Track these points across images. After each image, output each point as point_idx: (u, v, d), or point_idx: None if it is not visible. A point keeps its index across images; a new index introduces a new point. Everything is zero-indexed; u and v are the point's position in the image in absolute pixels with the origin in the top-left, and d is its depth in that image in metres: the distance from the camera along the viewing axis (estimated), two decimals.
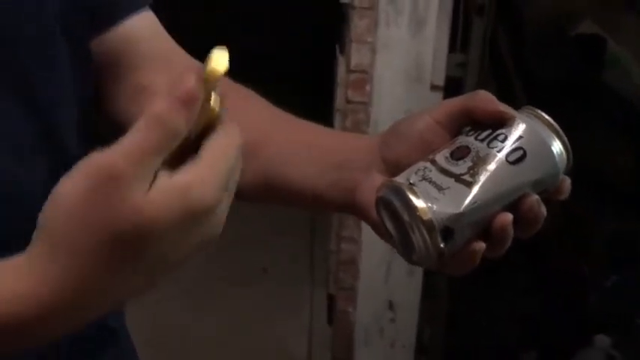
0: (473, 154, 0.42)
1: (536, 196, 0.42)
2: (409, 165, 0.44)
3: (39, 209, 0.34)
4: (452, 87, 1.73)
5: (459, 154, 0.42)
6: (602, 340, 1.65)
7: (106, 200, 0.32)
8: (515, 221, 0.41)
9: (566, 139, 0.43)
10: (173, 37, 0.60)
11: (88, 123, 0.55)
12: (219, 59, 0.35)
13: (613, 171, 2.01)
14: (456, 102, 0.46)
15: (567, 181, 0.45)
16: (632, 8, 1.96)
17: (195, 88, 0.33)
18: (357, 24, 1.62)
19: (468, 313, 2.03)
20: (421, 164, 0.43)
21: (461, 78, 1.68)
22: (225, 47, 0.36)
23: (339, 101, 1.82)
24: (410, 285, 1.85)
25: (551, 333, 1.90)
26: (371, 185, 0.45)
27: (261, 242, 2.98)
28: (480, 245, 0.41)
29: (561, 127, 0.43)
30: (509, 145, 0.42)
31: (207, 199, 0.34)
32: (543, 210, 0.42)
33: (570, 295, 1.97)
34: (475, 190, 0.40)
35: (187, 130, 0.34)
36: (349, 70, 1.67)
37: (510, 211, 0.41)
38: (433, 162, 0.43)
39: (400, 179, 0.43)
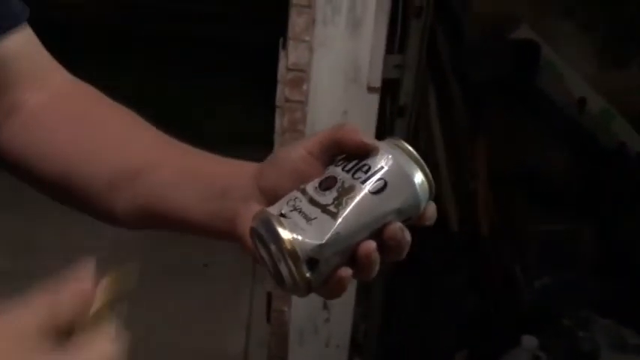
0: (339, 184, 0.42)
1: (399, 224, 0.42)
2: (284, 195, 0.44)
3: None
4: (389, 89, 1.74)
5: (326, 185, 0.43)
6: (530, 340, 1.68)
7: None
8: (380, 247, 0.42)
9: (427, 169, 0.44)
10: None
11: None
12: (126, 279, 0.40)
13: (546, 174, 2.05)
14: (326, 133, 0.46)
15: (431, 208, 0.45)
16: (569, 16, 2.00)
17: (90, 292, 0.38)
18: (295, 21, 1.60)
19: (403, 312, 2.04)
20: (293, 194, 0.44)
21: (398, 79, 1.68)
22: (134, 266, 0.41)
23: (279, 98, 1.80)
24: None
25: (484, 333, 1.93)
26: (248, 215, 0.45)
27: (203, 237, 2.95)
28: (347, 272, 0.42)
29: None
30: (371, 175, 0.42)
31: None
32: (407, 236, 0.43)
33: (503, 296, 2.01)
34: (339, 220, 0.41)
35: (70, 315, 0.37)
36: (288, 68, 1.65)
37: (376, 238, 0.42)
38: (304, 192, 0.43)
39: (272, 210, 0.43)
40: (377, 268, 0.42)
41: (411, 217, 0.44)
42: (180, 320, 2.41)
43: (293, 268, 0.40)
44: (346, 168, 0.43)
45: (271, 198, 0.46)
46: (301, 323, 1.89)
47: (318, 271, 0.41)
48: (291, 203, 0.43)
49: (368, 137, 0.44)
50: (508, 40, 1.85)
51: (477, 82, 1.83)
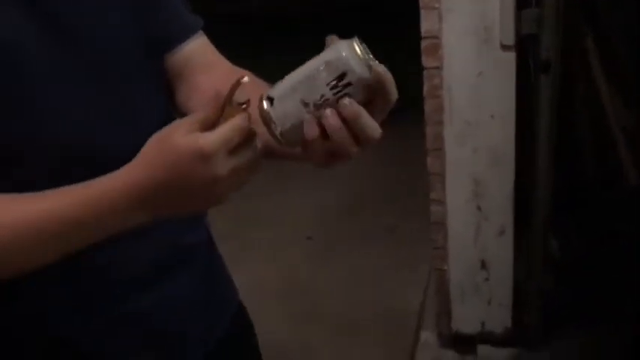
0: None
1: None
2: None
3: (115, 166, 0.61)
4: (530, 44, 1.68)
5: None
6: None
7: (188, 158, 0.57)
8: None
9: (360, 47, 0.57)
10: None
11: (165, 110, 0.81)
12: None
13: None
14: None
15: (380, 68, 0.57)
16: None
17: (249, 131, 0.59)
18: None
19: (573, 271, 1.98)
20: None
21: (536, 35, 1.62)
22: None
23: (422, 65, 1.85)
24: (500, 244, 1.86)
25: None
26: None
27: (388, 201, 3.12)
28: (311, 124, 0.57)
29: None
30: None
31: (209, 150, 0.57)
32: (349, 103, 0.56)
33: None
34: (285, 77, 0.59)
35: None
36: (422, 36, 1.70)
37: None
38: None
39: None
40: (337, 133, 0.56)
41: (349, 80, 0.56)
42: (364, 278, 2.61)
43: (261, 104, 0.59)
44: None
45: None
46: (461, 282, 1.95)
47: (275, 108, 0.58)
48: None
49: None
50: None
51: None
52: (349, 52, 0.56)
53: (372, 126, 0.57)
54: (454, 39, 1.65)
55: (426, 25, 1.68)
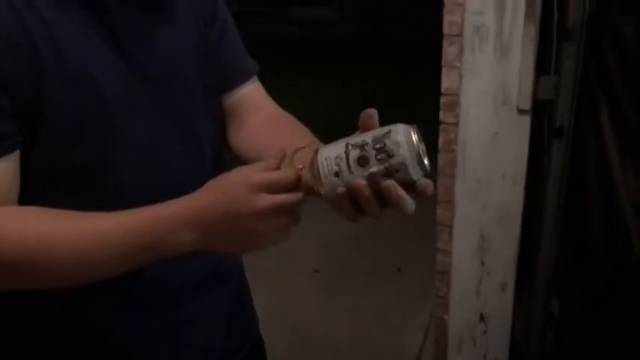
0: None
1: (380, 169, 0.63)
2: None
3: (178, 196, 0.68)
4: (546, 110, 1.74)
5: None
6: None
7: (244, 200, 0.65)
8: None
9: (416, 137, 0.64)
10: None
11: (219, 143, 0.91)
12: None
13: None
14: None
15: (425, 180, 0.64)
16: None
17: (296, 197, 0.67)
18: (447, 50, 1.70)
19: (575, 337, 1.99)
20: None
21: (553, 100, 1.68)
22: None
23: (440, 119, 1.91)
24: (501, 300, 1.89)
25: None
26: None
27: (396, 241, 3.16)
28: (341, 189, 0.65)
29: None
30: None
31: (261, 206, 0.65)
32: (394, 188, 0.62)
33: None
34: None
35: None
36: (442, 93, 1.77)
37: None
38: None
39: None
40: (369, 205, 0.63)
41: (398, 169, 0.62)
42: (369, 315, 2.64)
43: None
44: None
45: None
46: (460, 332, 1.98)
47: (323, 167, 0.65)
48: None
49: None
50: None
51: None
52: (407, 149, 0.62)
53: (407, 204, 0.63)
54: (473, 98, 1.71)
55: (446, 82, 1.74)
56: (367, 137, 0.63)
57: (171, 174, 0.78)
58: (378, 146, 0.62)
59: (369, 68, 5.88)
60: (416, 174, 0.62)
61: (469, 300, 1.93)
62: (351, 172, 0.62)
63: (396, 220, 2.78)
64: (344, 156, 0.63)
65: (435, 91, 1.76)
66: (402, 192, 0.62)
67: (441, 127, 1.80)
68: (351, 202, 0.64)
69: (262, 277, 2.96)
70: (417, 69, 4.13)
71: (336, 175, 0.63)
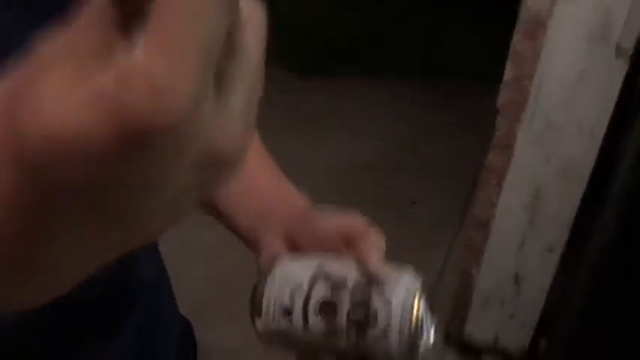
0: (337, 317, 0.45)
1: None
2: (299, 244, 0.51)
3: None
4: None
5: (325, 310, 0.44)
6: None
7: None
8: None
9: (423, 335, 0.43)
10: None
11: None
12: None
13: None
14: (349, 233, 0.49)
15: None
16: None
17: None
18: None
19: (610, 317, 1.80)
20: (297, 288, 0.45)
21: None
22: None
23: (512, 47, 1.61)
24: (543, 262, 1.68)
25: None
26: (267, 252, 0.53)
27: (413, 174, 2.92)
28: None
29: None
30: (365, 322, 0.44)
31: (178, 103, 0.19)
32: None
33: None
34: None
35: None
36: (524, 18, 1.46)
37: None
38: (308, 294, 0.45)
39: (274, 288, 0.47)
40: None
41: (373, 346, 0.41)
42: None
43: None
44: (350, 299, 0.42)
45: (289, 242, 0.53)
46: (488, 291, 1.78)
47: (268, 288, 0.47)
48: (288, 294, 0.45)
49: (379, 265, 0.44)
50: None
51: None
52: (400, 320, 0.41)
53: None
54: (564, 26, 1.41)
55: (532, 4, 1.43)
56: (350, 272, 0.43)
57: None
58: (357, 296, 0.40)
59: None
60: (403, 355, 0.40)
61: (506, 257, 1.71)
62: (305, 321, 0.42)
63: (416, 147, 2.53)
64: (306, 289, 0.43)
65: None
66: None
67: (513, 57, 1.51)
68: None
69: None
70: None
71: (286, 313, 0.43)
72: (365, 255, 0.46)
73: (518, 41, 1.49)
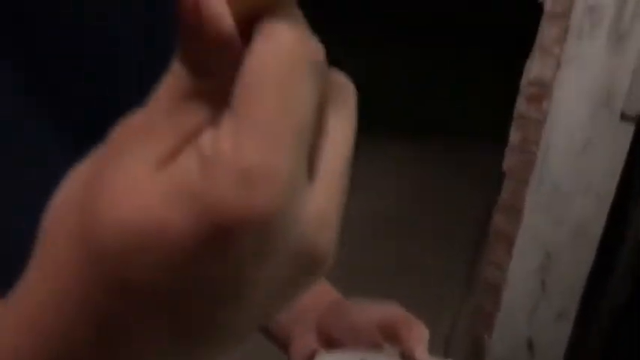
0: None
1: None
2: (335, 341, 0.48)
3: None
4: None
5: None
6: None
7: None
8: None
9: None
10: None
11: None
12: None
13: None
14: (395, 329, 0.47)
15: None
16: None
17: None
18: (545, 32, 1.42)
19: None
20: None
21: None
22: None
23: (516, 111, 1.63)
24: (557, 328, 1.64)
25: None
26: (299, 346, 0.49)
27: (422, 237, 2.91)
28: None
29: None
30: None
31: (270, 189, 0.17)
32: None
33: None
34: None
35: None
36: (529, 82, 1.48)
37: None
38: None
39: None
40: None
41: None
42: None
43: None
44: None
45: (322, 336, 0.49)
46: (500, 357, 1.73)
47: None
48: None
49: (426, 359, 0.44)
50: None
51: None
52: None
53: None
54: (568, 93, 1.43)
55: (536, 69, 1.45)
56: None
57: None
58: None
59: None
60: None
61: (518, 323, 1.67)
62: None
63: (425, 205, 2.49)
64: None
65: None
66: None
67: (518, 121, 1.53)
68: None
69: None
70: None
71: None
72: (411, 349, 0.44)
73: (521, 104, 1.51)
